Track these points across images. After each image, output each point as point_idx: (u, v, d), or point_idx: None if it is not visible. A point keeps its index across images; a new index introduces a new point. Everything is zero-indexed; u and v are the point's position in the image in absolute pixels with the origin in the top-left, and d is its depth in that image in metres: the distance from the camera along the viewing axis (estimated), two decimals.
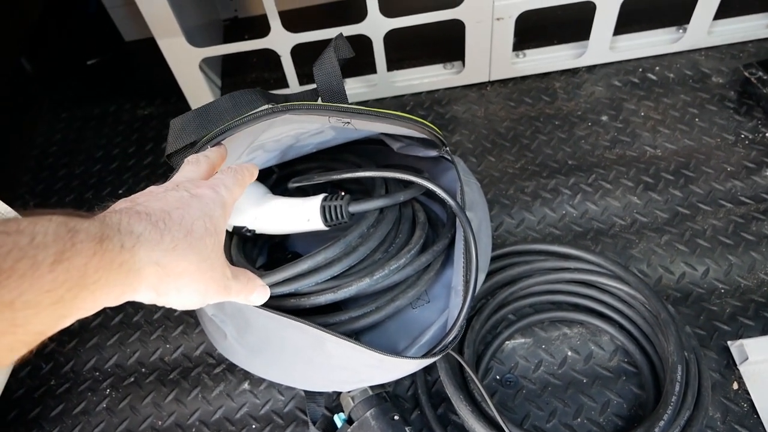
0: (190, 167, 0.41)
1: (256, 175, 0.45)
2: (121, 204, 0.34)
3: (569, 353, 0.61)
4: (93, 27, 1.08)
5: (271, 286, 0.52)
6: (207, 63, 0.84)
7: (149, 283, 0.32)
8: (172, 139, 0.52)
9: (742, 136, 0.76)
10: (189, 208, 0.35)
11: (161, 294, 0.33)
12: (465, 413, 0.53)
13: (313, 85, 0.56)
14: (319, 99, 0.56)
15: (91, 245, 0.28)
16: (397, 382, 0.61)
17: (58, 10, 1.03)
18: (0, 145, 0.76)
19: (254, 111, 0.50)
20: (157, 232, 0.32)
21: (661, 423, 0.48)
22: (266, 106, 0.50)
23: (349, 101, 0.55)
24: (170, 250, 0.32)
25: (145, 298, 0.33)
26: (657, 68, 0.86)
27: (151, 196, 0.35)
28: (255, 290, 0.43)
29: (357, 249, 0.54)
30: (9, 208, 0.50)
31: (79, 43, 1.06)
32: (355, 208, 0.55)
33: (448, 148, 0.59)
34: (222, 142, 0.49)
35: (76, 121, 0.94)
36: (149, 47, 1.00)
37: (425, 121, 0.56)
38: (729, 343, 0.59)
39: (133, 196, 0.35)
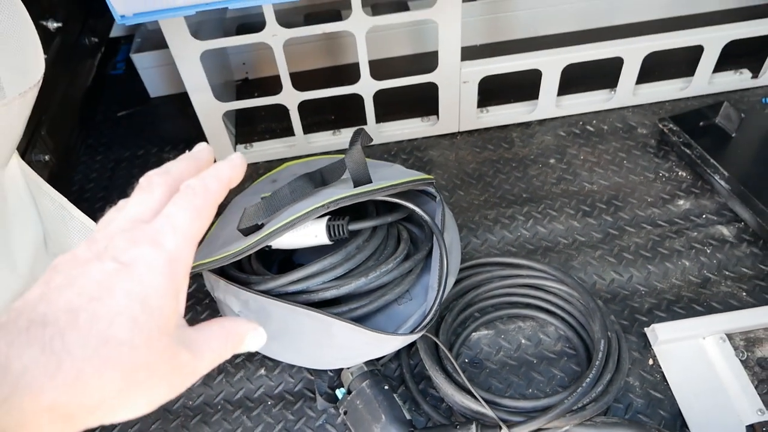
0: (137, 198, 0.29)
1: (240, 172, 0.32)
2: (31, 293, 0.25)
3: (523, 341, 0.76)
4: (122, 85, 1.26)
5: (287, 284, 0.68)
6: (226, 115, 1.01)
7: (49, 430, 0.23)
8: (245, 221, 0.66)
9: (660, 174, 0.96)
10: (110, 295, 0.24)
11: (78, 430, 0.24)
12: (440, 381, 0.67)
13: (340, 157, 0.73)
14: (347, 172, 0.72)
15: None
16: (386, 366, 0.75)
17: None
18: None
19: (311, 208, 0.64)
20: (52, 359, 0.22)
21: (587, 380, 0.63)
22: (320, 204, 0.64)
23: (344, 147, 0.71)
24: (70, 384, 0.22)
25: None
26: (594, 121, 1.06)
27: (68, 277, 0.25)
28: (246, 336, 0.31)
29: (355, 256, 0.70)
30: (90, 220, 0.65)
31: (110, 99, 1.24)
32: (354, 226, 0.71)
33: (437, 194, 0.75)
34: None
35: (109, 163, 1.10)
36: (172, 102, 1.19)
37: (428, 176, 0.73)
38: (645, 329, 0.75)
39: (55, 263, 0.26)
